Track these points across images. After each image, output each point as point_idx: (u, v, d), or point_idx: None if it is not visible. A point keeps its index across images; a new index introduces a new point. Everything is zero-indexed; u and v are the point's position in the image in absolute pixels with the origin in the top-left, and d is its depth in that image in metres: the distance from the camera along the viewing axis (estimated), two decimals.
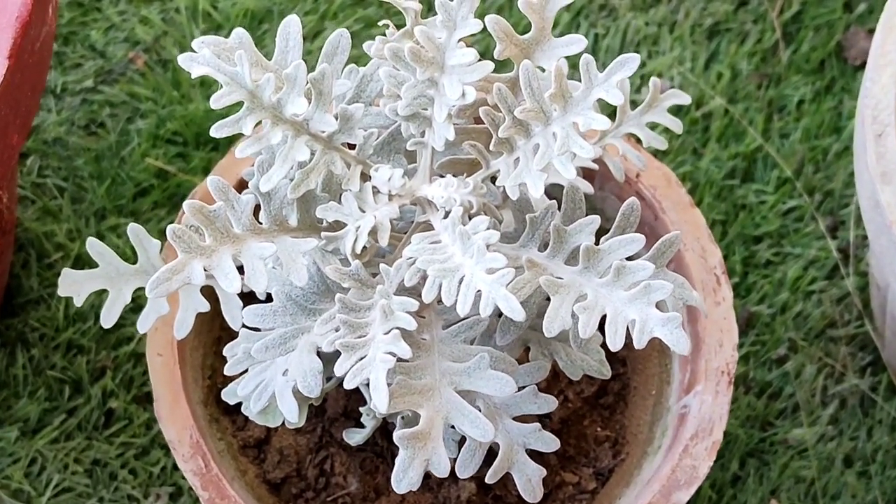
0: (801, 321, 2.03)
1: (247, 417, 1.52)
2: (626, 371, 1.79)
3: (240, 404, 1.49)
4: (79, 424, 1.94)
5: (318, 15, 2.18)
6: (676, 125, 1.56)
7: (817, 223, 2.09)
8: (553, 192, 1.45)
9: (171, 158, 2.08)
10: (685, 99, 1.55)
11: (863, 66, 2.10)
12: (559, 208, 1.41)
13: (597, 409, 1.77)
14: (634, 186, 1.72)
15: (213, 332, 1.69)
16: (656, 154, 2.06)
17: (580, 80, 1.33)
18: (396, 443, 1.29)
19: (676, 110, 2.12)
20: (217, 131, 1.28)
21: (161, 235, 1.54)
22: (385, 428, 1.65)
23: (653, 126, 1.56)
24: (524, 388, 1.45)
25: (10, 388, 1.95)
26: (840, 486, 1.95)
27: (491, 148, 1.35)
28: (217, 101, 1.28)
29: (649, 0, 2.21)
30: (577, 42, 1.36)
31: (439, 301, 1.38)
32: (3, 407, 1.94)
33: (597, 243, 1.37)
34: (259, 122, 1.30)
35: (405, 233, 1.43)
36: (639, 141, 1.58)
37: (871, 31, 2.17)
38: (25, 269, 2.01)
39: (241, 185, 1.52)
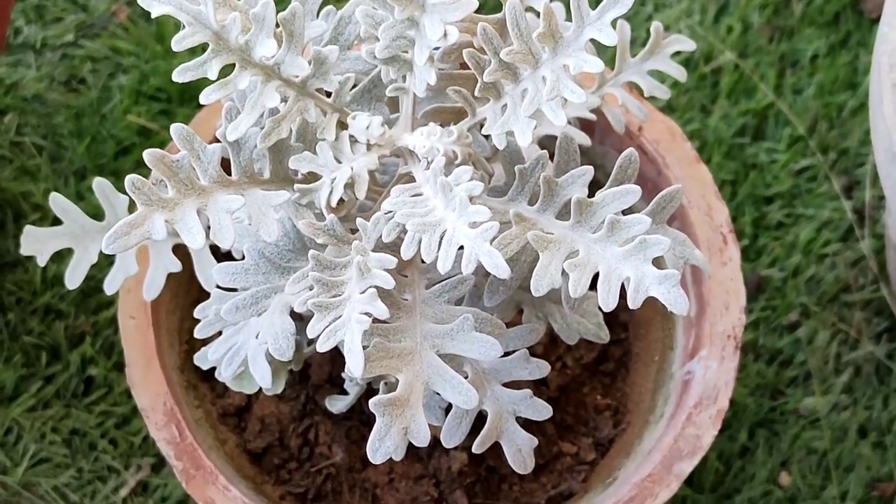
0: (814, 285, 1.94)
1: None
2: (627, 336, 1.70)
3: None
4: (57, 392, 1.86)
5: None
6: (681, 73, 1.46)
7: (831, 183, 1.99)
8: (549, 145, 1.36)
9: (154, 115, 1.99)
10: (689, 45, 1.46)
11: (879, 19, 2.00)
12: (552, 157, 1.32)
13: (597, 377, 1.69)
14: (636, 140, 1.62)
15: (192, 294, 1.60)
16: (663, 110, 1.96)
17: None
18: (372, 410, 1.20)
19: (684, 64, 2.03)
20: (179, 75, 1.19)
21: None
22: (371, 395, 1.56)
23: (657, 77, 1.47)
24: (515, 352, 1.35)
25: None
26: (854, 458, 1.85)
27: (476, 94, 1.25)
28: (179, 43, 1.19)
29: None
30: None
31: (422, 260, 1.29)
32: None
33: (592, 197, 1.27)
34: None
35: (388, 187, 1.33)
36: (641, 93, 1.48)
37: None
38: (2, 230, 1.93)
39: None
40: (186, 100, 1.99)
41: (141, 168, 1.95)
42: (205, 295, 1.53)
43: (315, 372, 1.62)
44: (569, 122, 1.47)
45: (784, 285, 1.94)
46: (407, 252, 1.19)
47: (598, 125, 1.58)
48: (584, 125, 1.54)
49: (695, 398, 1.53)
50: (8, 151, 1.97)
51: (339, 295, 1.22)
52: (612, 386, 1.68)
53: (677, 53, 1.49)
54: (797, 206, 1.98)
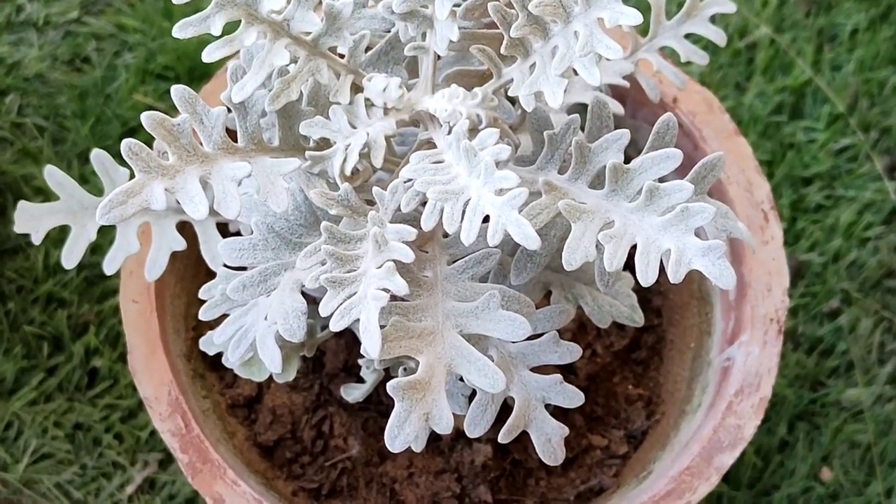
0: (856, 270, 1.84)
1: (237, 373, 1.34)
2: (660, 322, 1.60)
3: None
4: (59, 385, 1.77)
5: None
6: (720, 37, 1.37)
7: (873, 163, 1.89)
8: (579, 114, 1.26)
9: (161, 95, 1.91)
10: (730, 6, 1.36)
11: None
12: (583, 128, 1.22)
13: (628, 365, 1.59)
14: (672, 112, 1.52)
15: (199, 278, 1.51)
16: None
17: None
18: (390, 393, 1.10)
19: (714, 45, 1.93)
20: (180, 31, 1.10)
21: None
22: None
23: (694, 41, 1.37)
24: (543, 335, 1.25)
25: None
26: None
27: (503, 52, 1.15)
28: None
29: None
30: None
31: (445, 235, 1.19)
32: None
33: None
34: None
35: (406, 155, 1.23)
36: (676, 61, 1.39)
37: None
38: (3, 215, 1.84)
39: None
40: (196, 78, 1.90)
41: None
42: (212, 278, 1.43)
43: (329, 360, 1.53)
44: (599, 90, 1.38)
45: (824, 271, 1.84)
46: (427, 223, 1.09)
47: (630, 97, 1.49)
48: (615, 94, 1.44)
49: (735, 386, 1.43)
50: (9, 133, 1.89)
51: (355, 270, 1.12)
52: (644, 375, 1.59)
53: (714, 17, 1.40)
54: (837, 188, 1.88)
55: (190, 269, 1.50)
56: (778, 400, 1.77)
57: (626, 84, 1.37)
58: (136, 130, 1.88)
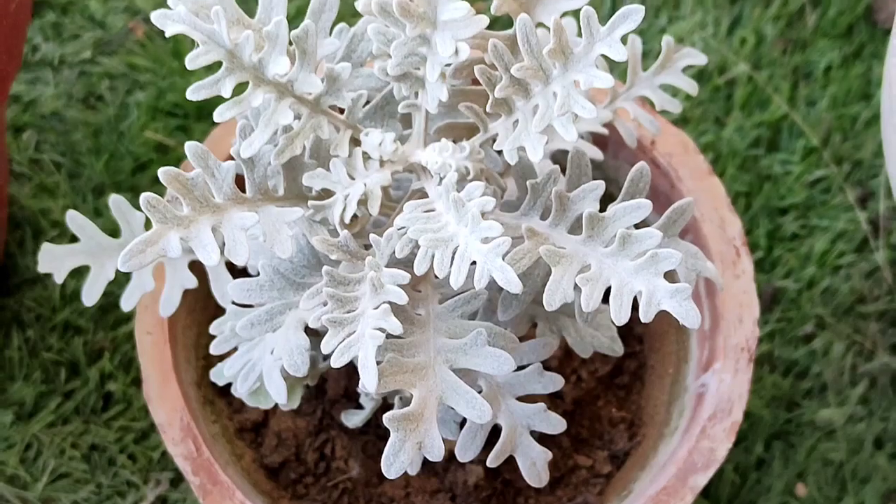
0: (829, 297, 1.94)
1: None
2: (642, 349, 1.71)
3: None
4: (76, 408, 1.87)
5: None
6: (692, 87, 1.47)
7: (845, 194, 1.99)
8: (561, 159, 1.37)
9: (171, 131, 2.01)
10: (701, 59, 1.46)
11: None
12: (565, 175, 1.32)
13: (612, 389, 1.69)
14: (649, 153, 1.63)
15: (209, 310, 1.62)
16: (677, 123, 1.97)
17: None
18: (386, 424, 1.21)
19: (697, 76, 2.03)
20: (194, 93, 1.20)
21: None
22: (387, 409, 1.57)
23: (669, 91, 1.47)
24: (529, 366, 1.36)
25: (5, 370, 1.88)
26: (870, 469, 1.85)
27: (488, 110, 1.26)
28: (193, 61, 1.20)
29: None
30: None
31: (436, 275, 1.30)
32: None
33: (604, 211, 1.28)
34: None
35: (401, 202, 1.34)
36: (653, 106, 1.49)
37: None
38: (21, 247, 1.94)
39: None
40: (203, 116, 2.00)
41: (158, 184, 1.97)
42: (221, 310, 1.54)
43: (331, 386, 1.63)
44: (581, 137, 1.48)
45: (799, 297, 1.94)
46: (420, 267, 1.20)
47: (612, 139, 1.59)
48: (597, 139, 1.55)
49: (709, 411, 1.53)
50: (27, 169, 1.99)
51: (353, 310, 1.23)
52: (627, 398, 1.69)
53: (689, 67, 1.50)
54: (812, 218, 1.98)
55: (200, 302, 1.60)
56: (755, 420, 1.87)
57: (606, 132, 1.48)
58: (147, 166, 1.99)
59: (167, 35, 1.21)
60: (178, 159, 1.99)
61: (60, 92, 2.04)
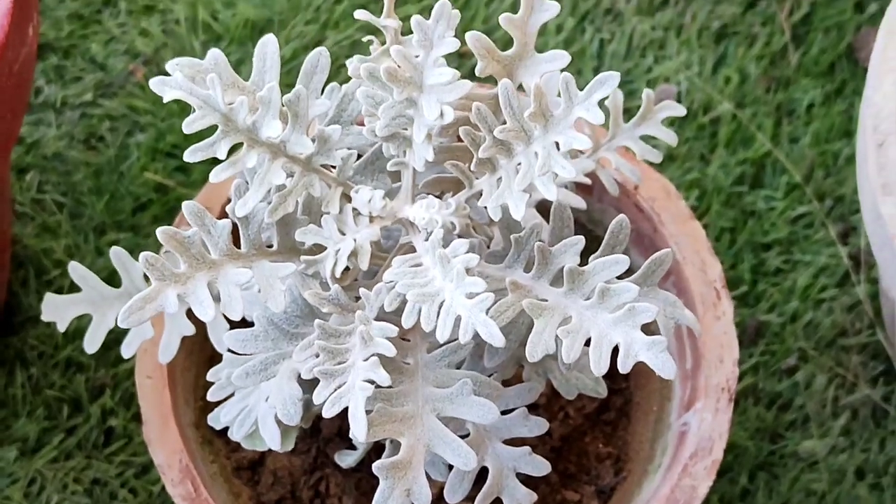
0: (812, 330, 1.99)
1: None
2: (628, 386, 1.76)
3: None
4: (78, 443, 1.92)
5: (319, 24, 2.16)
6: (671, 138, 1.52)
7: (827, 230, 2.04)
8: (546, 206, 1.42)
9: (170, 172, 2.06)
10: (680, 111, 1.52)
11: None
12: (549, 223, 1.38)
13: (598, 426, 1.74)
14: (633, 198, 1.68)
15: (206, 351, 1.67)
16: (663, 161, 2.02)
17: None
18: (376, 472, 1.27)
19: (680, 120, 2.08)
20: (191, 156, 1.26)
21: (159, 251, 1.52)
22: (379, 448, 1.62)
23: (649, 139, 1.53)
24: (514, 410, 1.42)
25: (8, 407, 1.93)
26: (852, 500, 1.90)
27: (473, 168, 1.31)
28: (190, 126, 1.25)
29: (656, 3, 2.17)
30: (560, 58, 1.33)
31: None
32: (2, 426, 1.92)
33: (586, 261, 1.34)
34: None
35: (391, 253, 1.40)
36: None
37: None
38: (24, 286, 2.00)
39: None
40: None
41: (157, 223, 2.03)
42: (218, 355, 1.59)
43: (325, 425, 1.68)
44: (565, 186, 1.54)
45: (782, 330, 1.99)
46: (407, 321, 1.26)
47: (597, 183, 1.64)
48: (582, 184, 1.60)
49: (690, 449, 1.58)
50: (29, 209, 2.04)
51: (344, 362, 1.28)
52: (613, 434, 1.74)
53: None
54: (795, 253, 2.03)
55: (197, 345, 1.65)
56: (740, 451, 1.92)
57: (589, 181, 1.53)
58: (147, 206, 2.04)
59: (165, 101, 1.26)
60: (177, 198, 2.04)
61: (62, 133, 2.10)
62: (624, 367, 1.24)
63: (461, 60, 2.10)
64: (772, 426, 1.94)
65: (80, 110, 2.12)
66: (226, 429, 1.63)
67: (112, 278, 1.57)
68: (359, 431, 1.23)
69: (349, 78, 1.36)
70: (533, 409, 1.49)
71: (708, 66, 2.13)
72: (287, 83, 1.32)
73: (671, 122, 1.98)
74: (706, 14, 2.16)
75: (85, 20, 2.17)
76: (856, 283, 2.01)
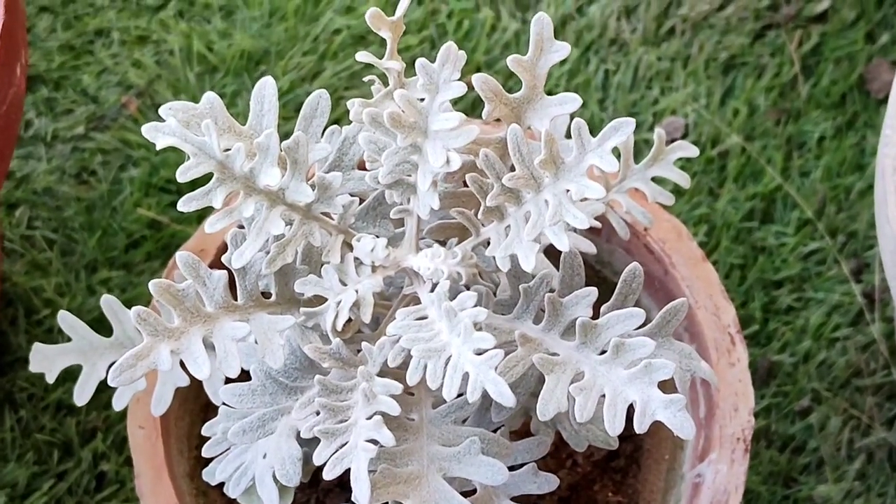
0: (825, 370, 1.93)
1: None
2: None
3: None
4: (69, 489, 1.86)
5: (317, 55, 2.10)
6: (684, 180, 1.47)
7: (840, 266, 1.98)
8: (555, 249, 1.36)
9: (164, 208, 2.00)
10: (693, 151, 1.46)
11: (887, 99, 2.00)
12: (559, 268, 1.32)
13: (608, 473, 1.68)
14: (643, 240, 1.62)
15: (201, 399, 1.61)
16: (672, 195, 1.96)
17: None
18: None
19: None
20: (185, 206, 1.20)
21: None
22: None
23: (660, 180, 1.47)
24: (523, 465, 1.36)
25: None
26: None
27: (479, 215, 1.26)
28: (184, 174, 1.20)
29: (661, 34, 2.12)
30: (571, 101, 1.27)
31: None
32: None
33: (598, 311, 1.28)
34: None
35: (394, 299, 1.34)
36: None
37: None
38: (13, 325, 1.93)
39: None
40: None
41: (151, 260, 1.97)
42: (213, 406, 1.53)
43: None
44: (573, 230, 1.48)
45: (795, 371, 1.93)
46: (412, 378, 1.20)
47: (605, 224, 1.58)
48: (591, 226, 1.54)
49: (705, 502, 1.52)
50: (19, 246, 1.98)
51: (346, 420, 1.22)
52: (623, 482, 1.68)
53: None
54: (807, 290, 1.98)
55: (192, 392, 1.59)
56: (753, 496, 1.86)
57: (599, 225, 1.47)
58: (140, 243, 1.98)
59: (158, 148, 1.21)
60: (171, 235, 1.98)
61: (53, 167, 2.04)
62: (640, 426, 1.18)
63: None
64: (785, 470, 1.88)
65: (71, 144, 2.06)
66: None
67: (103, 321, 1.50)
68: (362, 496, 1.17)
69: (347, 110, 1.31)
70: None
71: (716, 98, 2.08)
72: (284, 116, 1.27)
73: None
74: (713, 45, 2.11)
75: (76, 51, 2.11)
76: (870, 321, 1.95)
